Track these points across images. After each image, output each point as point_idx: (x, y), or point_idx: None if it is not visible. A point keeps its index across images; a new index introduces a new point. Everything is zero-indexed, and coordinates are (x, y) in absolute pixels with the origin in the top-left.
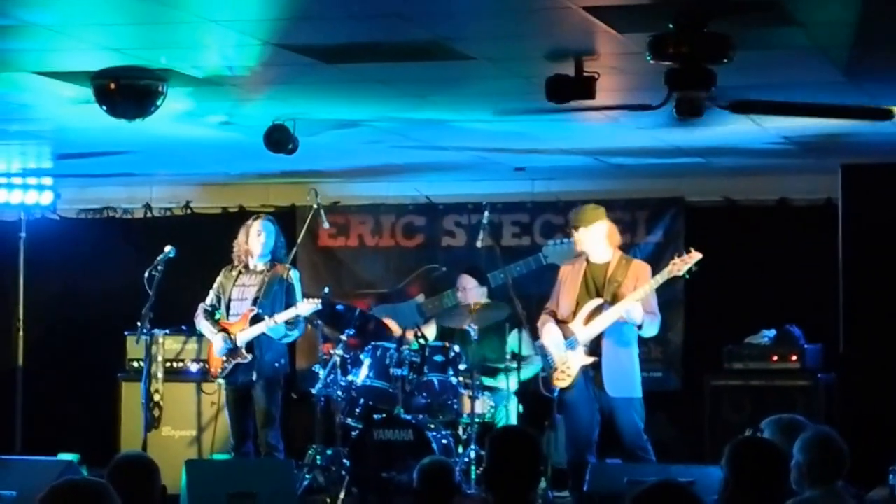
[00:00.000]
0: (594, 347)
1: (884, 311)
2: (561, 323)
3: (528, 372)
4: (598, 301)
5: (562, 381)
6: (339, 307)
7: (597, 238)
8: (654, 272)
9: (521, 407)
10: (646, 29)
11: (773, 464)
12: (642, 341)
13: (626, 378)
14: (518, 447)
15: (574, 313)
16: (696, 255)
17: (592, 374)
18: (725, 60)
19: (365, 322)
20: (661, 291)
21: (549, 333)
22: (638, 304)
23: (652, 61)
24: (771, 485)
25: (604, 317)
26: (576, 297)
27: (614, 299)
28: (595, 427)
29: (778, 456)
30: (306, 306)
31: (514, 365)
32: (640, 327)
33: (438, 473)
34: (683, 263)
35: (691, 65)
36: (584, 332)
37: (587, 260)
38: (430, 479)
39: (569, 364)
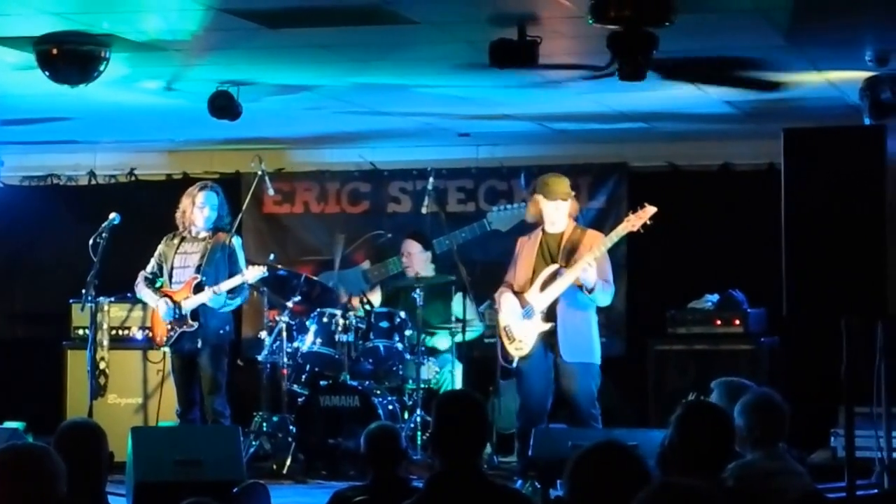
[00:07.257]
0: (551, 314)
1: (825, 275)
2: (518, 294)
3: (470, 335)
4: (553, 267)
5: (520, 350)
6: (284, 273)
7: (562, 212)
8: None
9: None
10: None
11: (720, 428)
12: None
13: (582, 343)
14: (464, 411)
15: (531, 281)
16: (650, 210)
17: (550, 341)
18: (667, 23)
19: (310, 288)
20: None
21: (507, 304)
22: (593, 267)
23: (594, 24)
24: (717, 448)
25: (559, 282)
26: (532, 266)
27: (570, 265)
28: (549, 396)
29: (725, 421)
30: (252, 273)
31: (459, 329)
32: (590, 291)
33: (385, 439)
34: (638, 219)
35: (634, 28)
36: (541, 298)
37: (543, 230)
38: (376, 444)
39: (525, 333)
